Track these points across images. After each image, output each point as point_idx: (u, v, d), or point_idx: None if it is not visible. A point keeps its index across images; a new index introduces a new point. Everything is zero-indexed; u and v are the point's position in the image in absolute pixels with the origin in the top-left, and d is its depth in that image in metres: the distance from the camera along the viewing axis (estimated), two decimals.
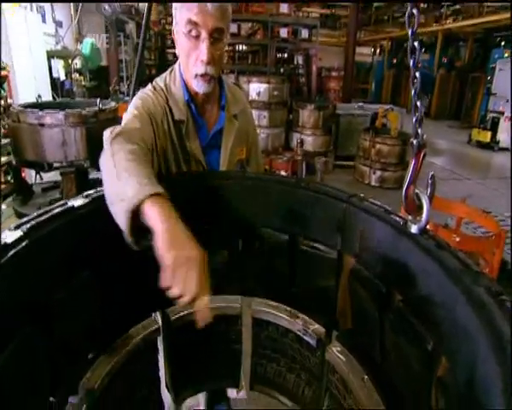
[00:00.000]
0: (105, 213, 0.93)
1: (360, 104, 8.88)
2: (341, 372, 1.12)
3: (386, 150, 7.13)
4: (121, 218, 0.88)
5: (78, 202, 1.01)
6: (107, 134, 1.09)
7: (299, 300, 1.27)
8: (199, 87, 1.37)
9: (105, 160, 1.02)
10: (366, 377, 1.09)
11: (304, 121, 8.18)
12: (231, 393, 1.84)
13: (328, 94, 12.54)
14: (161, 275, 0.79)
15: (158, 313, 1.23)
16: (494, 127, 11.19)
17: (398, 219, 0.99)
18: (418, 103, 0.89)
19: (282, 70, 11.08)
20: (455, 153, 10.63)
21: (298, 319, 1.24)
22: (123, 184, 0.90)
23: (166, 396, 1.31)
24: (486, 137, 11.19)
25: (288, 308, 1.26)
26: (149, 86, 1.45)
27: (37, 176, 4.67)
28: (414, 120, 0.90)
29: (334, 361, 1.14)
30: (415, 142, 0.90)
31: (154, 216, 0.83)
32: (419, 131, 0.90)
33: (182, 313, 1.24)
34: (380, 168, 7.27)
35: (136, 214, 0.86)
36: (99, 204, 0.98)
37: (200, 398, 1.80)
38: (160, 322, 1.21)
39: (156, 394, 1.27)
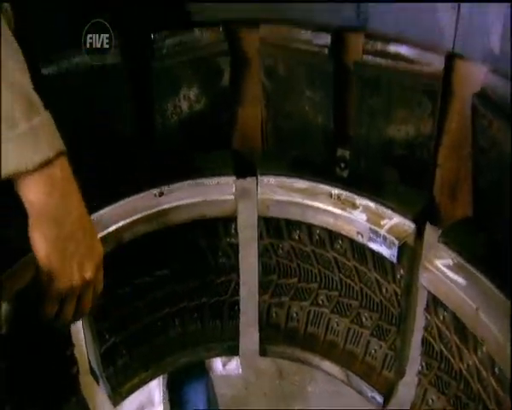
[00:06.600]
0: None
1: None
2: (458, 309, 0.51)
3: None
4: None
5: None
6: None
7: (354, 173, 0.65)
8: None
9: None
10: None
11: None
12: (221, 366, 1.06)
13: None
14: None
15: None
16: None
17: None
18: None
19: None
20: None
21: (355, 208, 0.61)
22: None
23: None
24: None
25: (335, 190, 0.63)
26: None
27: None
28: None
29: (440, 288, 0.53)
30: None
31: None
32: None
33: None
34: None
35: None
36: None
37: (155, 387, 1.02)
38: None
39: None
